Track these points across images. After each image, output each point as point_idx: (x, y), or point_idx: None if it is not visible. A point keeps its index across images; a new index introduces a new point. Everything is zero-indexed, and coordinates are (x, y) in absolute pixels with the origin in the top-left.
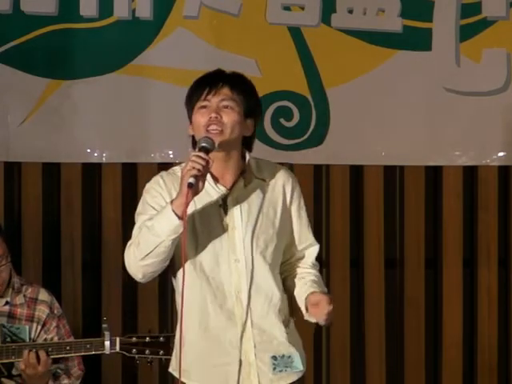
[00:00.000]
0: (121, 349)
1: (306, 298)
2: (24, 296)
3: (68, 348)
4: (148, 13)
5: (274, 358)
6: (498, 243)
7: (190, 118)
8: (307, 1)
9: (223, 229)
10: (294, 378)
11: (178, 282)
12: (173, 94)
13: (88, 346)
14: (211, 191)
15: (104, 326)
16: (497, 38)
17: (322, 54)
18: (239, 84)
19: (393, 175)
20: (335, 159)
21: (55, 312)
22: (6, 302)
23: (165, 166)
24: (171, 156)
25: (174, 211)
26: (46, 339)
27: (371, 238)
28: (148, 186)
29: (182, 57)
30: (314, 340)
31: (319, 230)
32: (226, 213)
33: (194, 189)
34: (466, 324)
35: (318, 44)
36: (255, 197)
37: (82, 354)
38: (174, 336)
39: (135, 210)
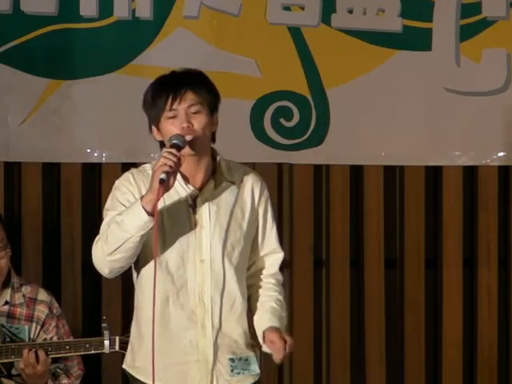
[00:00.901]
0: (120, 348)
1: (263, 331)
2: (23, 296)
3: (67, 347)
4: (148, 13)
5: (232, 360)
6: (497, 243)
7: (152, 122)
8: (307, 1)
9: (191, 228)
10: (251, 380)
11: (140, 279)
12: None
13: (87, 345)
14: (181, 191)
15: (103, 325)
16: (497, 37)
17: (322, 54)
18: (200, 84)
19: (393, 175)
20: (335, 159)
21: (54, 312)
22: (6, 302)
23: None
24: None
25: (143, 207)
26: (45, 339)
27: (371, 238)
28: (118, 182)
29: (181, 57)
30: (313, 340)
31: (319, 229)
32: (194, 213)
33: (166, 185)
34: (466, 324)
35: (318, 44)
36: (224, 199)
37: (82, 353)
38: None
39: None
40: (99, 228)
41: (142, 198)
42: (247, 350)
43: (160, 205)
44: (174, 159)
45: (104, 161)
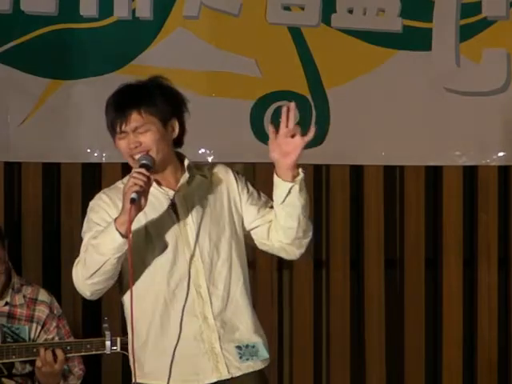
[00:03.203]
0: (122, 348)
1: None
2: (24, 296)
3: (69, 348)
4: (148, 13)
5: (239, 347)
6: (498, 243)
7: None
8: (307, 1)
9: (176, 228)
10: (262, 365)
11: (133, 293)
12: None
13: (88, 345)
14: (158, 194)
15: (104, 325)
16: (497, 37)
17: (322, 54)
18: (148, 101)
19: (393, 175)
20: (335, 159)
21: (55, 312)
22: (6, 303)
23: None
24: None
25: (117, 229)
26: (46, 339)
27: (371, 238)
28: (91, 203)
29: (181, 57)
30: (313, 340)
31: (319, 230)
32: (175, 212)
33: (137, 205)
34: (466, 324)
35: (318, 44)
36: (200, 192)
37: (83, 353)
38: None
39: None
40: None
41: (115, 219)
42: (253, 337)
43: (140, 214)
44: (144, 179)
45: (104, 161)
